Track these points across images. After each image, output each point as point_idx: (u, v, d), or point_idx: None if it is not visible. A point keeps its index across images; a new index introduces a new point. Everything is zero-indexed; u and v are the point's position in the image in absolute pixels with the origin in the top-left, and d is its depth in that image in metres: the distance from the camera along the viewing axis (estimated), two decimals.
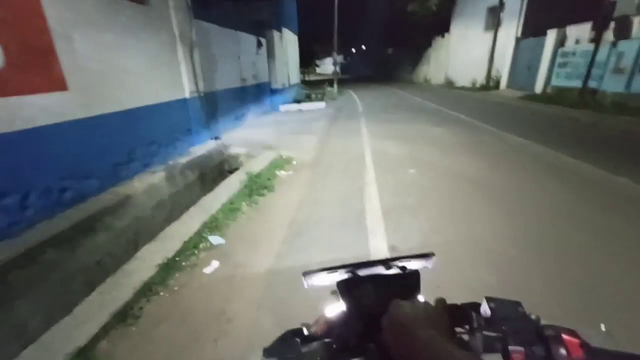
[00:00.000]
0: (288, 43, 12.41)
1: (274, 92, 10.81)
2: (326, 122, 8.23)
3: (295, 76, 13.98)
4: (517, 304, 0.46)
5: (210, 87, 6.10)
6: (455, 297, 0.53)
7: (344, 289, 0.53)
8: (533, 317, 0.44)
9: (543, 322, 0.44)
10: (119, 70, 3.61)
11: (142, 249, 2.52)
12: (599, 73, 8.69)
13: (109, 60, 3.46)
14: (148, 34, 4.09)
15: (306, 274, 0.58)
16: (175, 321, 1.85)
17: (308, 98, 13.22)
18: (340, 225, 2.93)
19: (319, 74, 59.03)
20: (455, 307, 0.50)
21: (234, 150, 5.80)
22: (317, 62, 56.69)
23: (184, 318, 1.88)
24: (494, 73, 14.65)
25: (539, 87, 11.33)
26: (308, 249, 2.59)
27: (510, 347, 0.40)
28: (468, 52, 17.69)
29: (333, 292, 0.55)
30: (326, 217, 3.11)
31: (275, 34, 10.42)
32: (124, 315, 1.89)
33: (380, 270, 0.56)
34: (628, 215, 2.84)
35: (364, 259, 0.59)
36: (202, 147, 5.32)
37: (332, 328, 0.53)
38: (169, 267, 2.29)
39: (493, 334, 0.43)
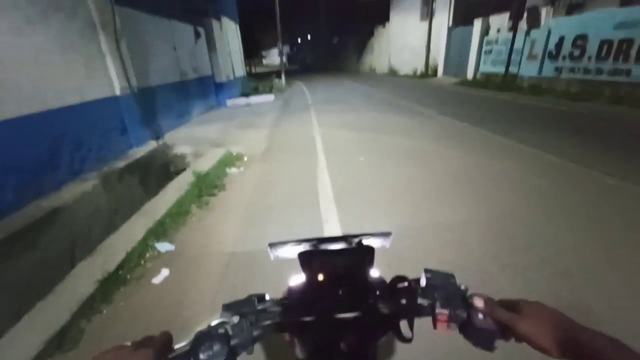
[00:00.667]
0: (229, 33, 11.84)
1: (218, 86, 10.30)
2: (276, 114, 8.10)
3: (239, 68, 13.44)
4: (450, 275, 0.53)
5: (144, 82, 5.61)
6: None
7: (304, 260, 0.56)
8: (462, 287, 0.51)
9: (470, 292, 0.50)
10: (25, 64, 3.14)
11: (78, 265, 2.28)
12: (517, 59, 9.75)
13: (15, 52, 2.99)
14: (59, 23, 3.59)
15: (272, 245, 0.61)
16: (121, 339, 1.72)
17: (255, 91, 12.85)
18: (295, 217, 2.94)
19: (266, 66, 57.53)
20: (401, 278, 0.56)
21: (179, 149, 5.45)
22: (263, 53, 55.22)
23: (131, 334, 1.75)
24: (431, 61, 15.62)
25: (470, 74, 12.37)
26: (263, 245, 2.57)
27: (437, 310, 0.48)
28: (407, 41, 18.56)
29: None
30: (280, 212, 3.10)
31: (214, 22, 9.86)
32: (60, 341, 1.71)
33: (341, 245, 0.60)
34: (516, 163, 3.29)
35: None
36: (142, 149, 4.91)
37: (292, 294, 0.56)
38: (111, 282, 2.11)
39: (424, 301, 0.50)
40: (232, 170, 4.31)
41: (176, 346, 0.46)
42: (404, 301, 0.53)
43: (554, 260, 2.13)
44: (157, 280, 2.21)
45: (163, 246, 2.56)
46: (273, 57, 63.63)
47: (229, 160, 4.61)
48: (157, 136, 5.60)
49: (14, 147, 2.94)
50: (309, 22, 39.21)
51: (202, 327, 0.47)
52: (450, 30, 14.10)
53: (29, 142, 3.10)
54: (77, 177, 3.66)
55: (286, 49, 58.12)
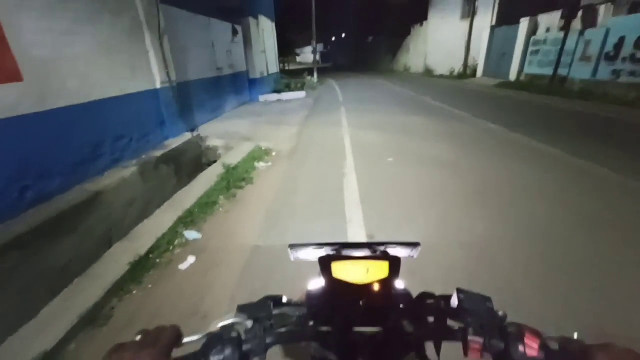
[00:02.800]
0: (265, 31, 12.08)
1: (252, 82, 10.55)
2: (306, 112, 8.14)
3: (273, 65, 13.68)
4: (487, 299, 0.47)
5: (183, 77, 5.87)
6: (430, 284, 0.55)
7: (325, 265, 0.54)
8: (500, 313, 0.45)
9: (509, 320, 0.44)
10: (78, 59, 3.39)
11: (113, 247, 2.43)
12: (568, 61, 9.02)
13: (65, 49, 3.23)
14: (109, 21, 3.84)
15: (293, 246, 0.59)
16: (149, 320, 1.80)
17: (288, 88, 13.01)
18: (319, 216, 2.93)
19: (299, 63, 58.10)
20: (429, 295, 0.52)
21: (211, 142, 5.65)
22: (297, 51, 55.85)
23: (158, 316, 1.83)
24: (470, 61, 14.91)
25: (513, 75, 11.65)
26: (286, 241, 2.58)
27: (470, 337, 0.42)
28: (446, 40, 17.88)
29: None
30: (305, 208, 3.10)
31: (251, 21, 10.10)
32: (94, 317, 1.82)
33: (365, 252, 0.57)
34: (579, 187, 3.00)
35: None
36: (177, 140, 5.14)
37: (310, 299, 0.54)
38: (141, 265, 2.22)
39: (455, 324, 0.46)
40: (261, 165, 4.38)
41: (185, 340, 0.44)
42: (431, 320, 0.49)
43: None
44: (183, 266, 2.29)
45: (191, 234, 2.65)
46: (307, 55, 64.10)
47: (258, 154, 4.69)
48: (192, 129, 5.84)
49: (65, 133, 3.18)
50: (343, 21, 39.02)
51: (214, 326, 0.45)
52: (493, 29, 13.36)
53: (77, 129, 3.34)
54: (119, 164, 3.90)
55: (320, 47, 58.39)
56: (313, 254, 0.59)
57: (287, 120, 7.13)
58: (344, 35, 42.09)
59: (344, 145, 5.02)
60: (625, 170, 3.51)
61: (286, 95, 10.84)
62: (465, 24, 15.52)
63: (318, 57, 60.57)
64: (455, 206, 2.96)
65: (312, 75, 14.77)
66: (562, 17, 9.27)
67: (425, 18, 20.80)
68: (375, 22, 29.50)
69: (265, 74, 11.94)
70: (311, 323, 0.50)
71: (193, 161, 5.22)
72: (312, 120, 7.12)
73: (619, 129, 5.42)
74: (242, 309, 0.48)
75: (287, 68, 35.09)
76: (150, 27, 4.53)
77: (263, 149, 4.98)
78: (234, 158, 4.42)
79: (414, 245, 0.59)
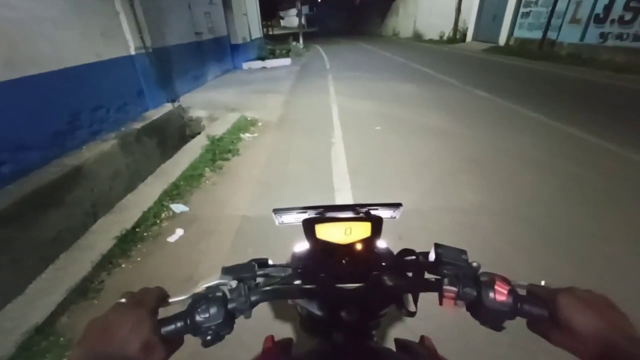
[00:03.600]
0: None
1: (234, 48, 10.01)
2: (292, 80, 7.86)
3: (256, 30, 12.93)
4: (462, 251, 0.49)
5: (159, 42, 5.50)
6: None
7: (309, 227, 0.55)
8: (474, 264, 0.47)
9: (482, 270, 0.46)
10: (46, 22, 3.10)
11: (98, 221, 2.39)
12: (557, 24, 8.86)
13: (32, 10, 2.95)
14: None
15: (277, 211, 0.61)
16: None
17: (272, 54, 12.44)
18: (308, 185, 2.93)
19: (284, 27, 55.03)
20: (408, 251, 0.54)
21: (194, 113, 5.45)
22: (281, 14, 52.63)
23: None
24: (461, 25, 14.46)
25: (502, 39, 11.42)
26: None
27: (444, 287, 0.44)
28: (436, 3, 17.15)
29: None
30: (293, 178, 3.09)
31: None
32: (84, 290, 1.83)
33: (347, 213, 0.57)
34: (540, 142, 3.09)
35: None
36: (158, 111, 4.93)
37: (295, 260, 0.56)
38: (129, 239, 2.20)
39: (432, 276, 0.48)
40: (246, 136, 4.28)
41: (171, 300, 0.45)
42: (410, 275, 0.52)
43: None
44: (172, 239, 2.29)
45: (178, 207, 2.62)
46: (292, 19, 60.62)
47: (243, 125, 4.57)
48: (173, 99, 5.59)
49: (38, 103, 2.99)
50: None
51: (199, 287, 0.45)
52: None
53: (51, 99, 3.14)
54: (97, 137, 3.74)
55: (305, 10, 55.20)
56: (297, 218, 0.60)
57: (273, 89, 6.89)
58: None
59: (331, 114, 4.93)
60: (613, 137, 3.58)
61: (271, 63, 10.39)
62: None
63: (303, 21, 57.47)
64: (444, 174, 3.00)
65: (298, 41, 14.08)
66: None
67: None
68: None
69: (248, 40, 11.32)
70: (296, 282, 0.51)
71: (176, 133, 5.06)
72: (299, 89, 6.90)
73: (608, 95, 5.47)
74: (227, 271, 0.48)
75: (270, 33, 33.31)
76: None
77: (248, 119, 4.84)
78: (218, 129, 4.29)
79: (395, 205, 0.60)
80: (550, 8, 8.98)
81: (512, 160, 3.16)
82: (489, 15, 12.54)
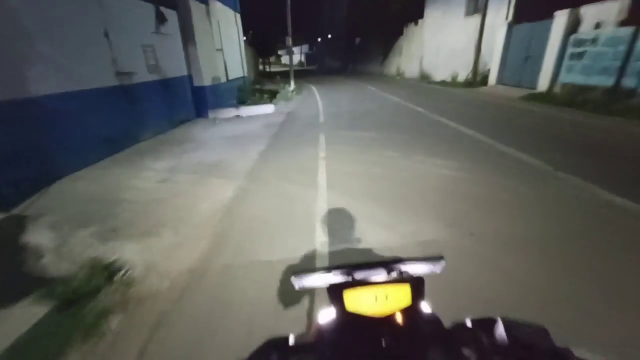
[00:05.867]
0: (223, 22, 9.12)
1: (198, 91, 7.55)
2: (264, 143, 5.21)
3: (237, 68, 10.71)
4: (542, 330, 0.38)
5: (18, 89, 2.89)
6: None
7: (335, 294, 0.47)
8: (561, 347, 0.37)
9: (576, 354, 0.35)
10: None
11: None
12: (637, 68, 6.46)
13: None
14: None
15: (296, 274, 0.53)
16: None
17: (259, 96, 10.05)
18: None
19: (285, 65, 54.94)
20: (464, 327, 0.43)
21: (38, 233, 2.66)
22: (280, 52, 52.68)
23: None
24: (480, 66, 12.36)
25: (543, 84, 9.09)
26: None
27: None
28: (446, 41, 15.40)
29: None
30: None
31: (194, 5, 7.12)
32: None
33: (381, 274, 0.50)
34: None
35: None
36: None
37: (321, 339, 0.45)
38: None
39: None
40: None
41: None
42: (468, 355, 0.39)
43: None
44: None
45: None
46: (292, 56, 61.16)
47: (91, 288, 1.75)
48: (18, 196, 2.85)
49: None
50: (330, 21, 36.34)
51: None
52: (510, 27, 10.83)
53: None
54: None
55: (305, 47, 55.52)
56: (320, 280, 0.51)
57: (228, 163, 4.21)
58: (330, 36, 39.33)
59: (313, 235, 2.17)
60: None
61: (248, 110, 7.89)
62: (472, 22, 13.02)
63: (303, 58, 58.03)
64: None
65: (288, 80, 11.83)
66: (629, 8, 6.73)
67: (421, 16, 18.33)
68: (365, 21, 26.94)
69: (223, 80, 8.96)
70: None
71: None
72: (269, 165, 4.20)
73: None
74: None
75: (267, 70, 32.05)
76: None
77: (122, 272, 2.04)
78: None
79: (436, 259, 0.52)
80: (620, 47, 6.66)
81: None
82: (519, 55, 10.38)
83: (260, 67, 33.74)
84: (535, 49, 9.52)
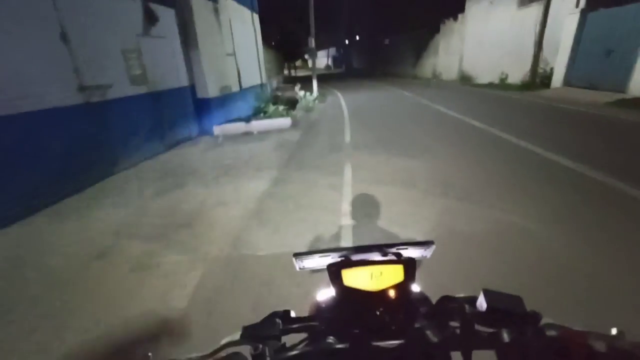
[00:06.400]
0: (236, 22, 8.00)
1: (202, 104, 6.43)
2: (270, 177, 3.85)
3: (254, 74, 9.57)
4: (517, 298, 0.41)
5: None
6: None
7: (335, 272, 0.48)
8: (534, 313, 0.40)
9: (545, 320, 0.39)
10: None
11: None
12: None
13: None
14: None
15: (297, 255, 0.53)
16: None
17: (271, 108, 8.83)
18: None
19: (312, 69, 54.00)
20: (450, 299, 0.46)
21: None
22: (307, 55, 51.84)
23: None
24: (541, 64, 10.29)
25: (638, 87, 7.02)
26: None
27: (505, 342, 0.38)
28: (493, 37, 13.42)
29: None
30: None
31: (198, 1, 5.99)
32: None
33: (375, 256, 0.51)
34: None
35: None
36: None
37: (320, 312, 0.50)
38: None
39: (485, 330, 0.41)
40: None
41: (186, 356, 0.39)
42: (456, 327, 0.43)
43: None
44: None
45: None
46: (320, 60, 60.17)
47: None
48: None
49: None
50: (358, 21, 34.81)
51: (218, 351, 0.40)
52: (584, 14, 8.75)
53: None
54: None
55: (332, 51, 54.31)
56: (320, 262, 0.53)
57: (208, 218, 2.90)
58: (357, 37, 37.75)
59: None
60: None
61: (259, 125, 6.62)
62: (528, 12, 11.00)
63: (330, 61, 56.71)
64: None
65: (304, 89, 10.48)
66: None
67: (461, 10, 16.35)
68: (395, 19, 25.17)
69: (235, 89, 7.81)
70: (325, 340, 0.44)
71: None
72: (269, 220, 2.83)
73: None
74: (248, 330, 0.44)
75: (293, 75, 31.14)
76: None
77: None
78: None
79: (427, 244, 0.52)
80: None
81: None
82: (596, 50, 8.29)
83: (286, 71, 32.98)
84: (621, 41, 7.45)
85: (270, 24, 22.64)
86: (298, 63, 36.80)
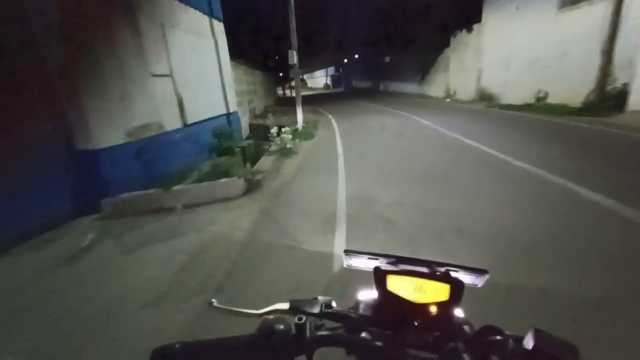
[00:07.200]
0: (176, 30, 5.44)
1: (86, 160, 3.71)
2: None
3: (212, 103, 6.92)
4: (572, 348, 0.37)
5: None
6: None
7: (380, 276, 0.49)
8: None
9: None
10: None
11: None
12: None
13: None
14: None
15: (347, 252, 0.55)
16: None
17: (227, 154, 6.13)
18: None
19: (310, 89, 52.08)
20: (494, 331, 0.44)
21: None
22: (306, 76, 50.05)
23: None
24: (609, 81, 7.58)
25: None
26: None
27: None
28: (523, 48, 10.95)
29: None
30: None
31: None
32: None
33: (424, 269, 0.49)
34: None
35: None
36: None
37: (360, 309, 0.50)
38: None
39: None
40: None
41: (234, 309, 0.49)
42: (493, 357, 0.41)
43: None
44: None
45: None
46: (318, 79, 58.32)
47: None
48: None
49: None
50: (358, 39, 33.00)
51: (265, 313, 0.47)
52: None
53: None
54: None
55: (331, 70, 52.63)
56: (367, 264, 0.54)
57: None
58: (356, 56, 35.84)
59: None
60: None
61: (189, 194, 3.85)
62: (574, 15, 8.48)
63: (329, 80, 54.96)
64: None
65: (291, 117, 7.77)
66: None
67: (475, 20, 14.01)
68: (397, 35, 23.06)
69: (172, 126, 5.14)
70: (362, 334, 0.47)
71: None
72: None
73: None
74: (295, 304, 0.49)
75: (286, 95, 28.88)
76: None
77: None
78: None
79: (480, 271, 0.50)
80: None
81: None
82: None
83: (280, 92, 30.82)
84: None
85: (259, 41, 20.64)
86: (294, 84, 34.92)
